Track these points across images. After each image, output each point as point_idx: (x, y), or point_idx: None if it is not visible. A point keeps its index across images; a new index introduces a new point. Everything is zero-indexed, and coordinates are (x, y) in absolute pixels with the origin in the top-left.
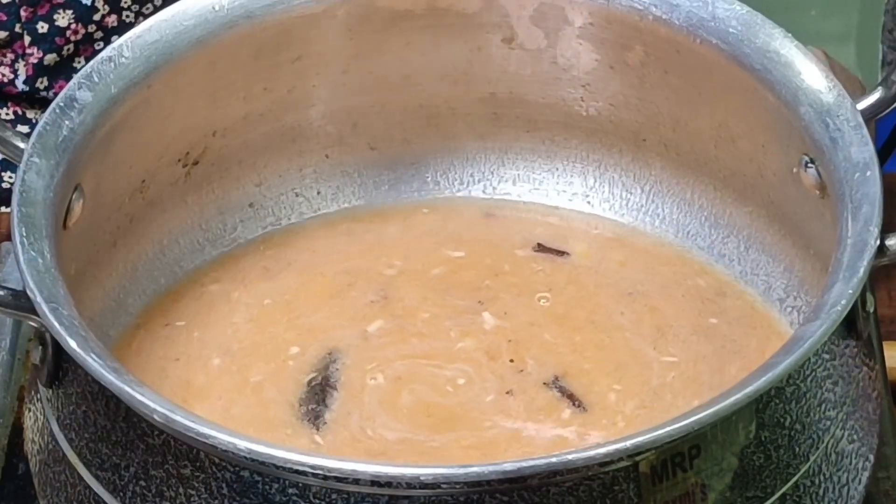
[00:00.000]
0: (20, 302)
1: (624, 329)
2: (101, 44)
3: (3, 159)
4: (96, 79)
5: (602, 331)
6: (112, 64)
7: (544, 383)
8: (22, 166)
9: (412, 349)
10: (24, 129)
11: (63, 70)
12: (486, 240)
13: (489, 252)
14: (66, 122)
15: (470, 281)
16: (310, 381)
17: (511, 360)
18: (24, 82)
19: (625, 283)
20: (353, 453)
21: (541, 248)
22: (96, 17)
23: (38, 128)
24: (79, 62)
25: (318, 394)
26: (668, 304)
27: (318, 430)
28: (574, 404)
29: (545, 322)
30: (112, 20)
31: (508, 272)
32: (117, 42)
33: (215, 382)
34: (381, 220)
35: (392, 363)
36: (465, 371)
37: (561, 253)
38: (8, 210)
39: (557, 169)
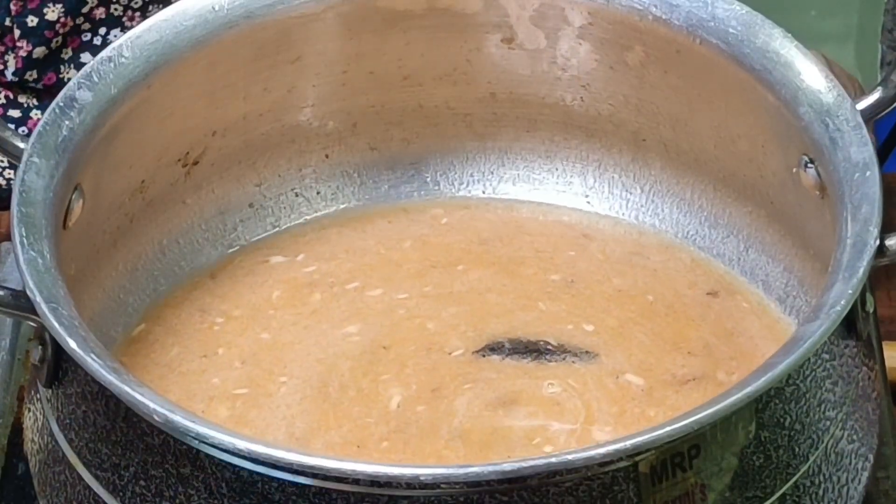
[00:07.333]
0: (20, 302)
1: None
2: (88, 35)
3: None
4: (96, 79)
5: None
6: (112, 64)
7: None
8: (22, 166)
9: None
10: (15, 112)
11: (52, 62)
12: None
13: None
14: (66, 122)
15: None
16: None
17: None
18: (14, 73)
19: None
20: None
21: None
22: (85, 9)
23: (38, 128)
24: (66, 53)
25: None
26: (666, 303)
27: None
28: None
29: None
30: (100, 12)
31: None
32: (117, 42)
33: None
34: (381, 220)
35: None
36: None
37: None
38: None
39: (557, 169)
